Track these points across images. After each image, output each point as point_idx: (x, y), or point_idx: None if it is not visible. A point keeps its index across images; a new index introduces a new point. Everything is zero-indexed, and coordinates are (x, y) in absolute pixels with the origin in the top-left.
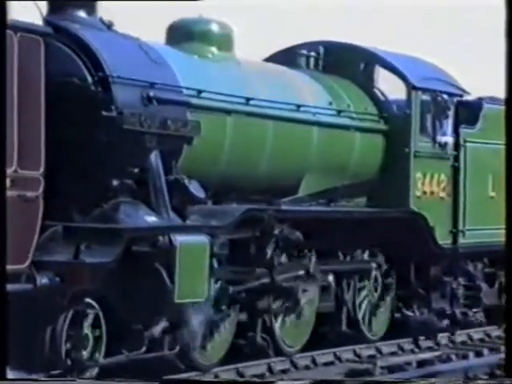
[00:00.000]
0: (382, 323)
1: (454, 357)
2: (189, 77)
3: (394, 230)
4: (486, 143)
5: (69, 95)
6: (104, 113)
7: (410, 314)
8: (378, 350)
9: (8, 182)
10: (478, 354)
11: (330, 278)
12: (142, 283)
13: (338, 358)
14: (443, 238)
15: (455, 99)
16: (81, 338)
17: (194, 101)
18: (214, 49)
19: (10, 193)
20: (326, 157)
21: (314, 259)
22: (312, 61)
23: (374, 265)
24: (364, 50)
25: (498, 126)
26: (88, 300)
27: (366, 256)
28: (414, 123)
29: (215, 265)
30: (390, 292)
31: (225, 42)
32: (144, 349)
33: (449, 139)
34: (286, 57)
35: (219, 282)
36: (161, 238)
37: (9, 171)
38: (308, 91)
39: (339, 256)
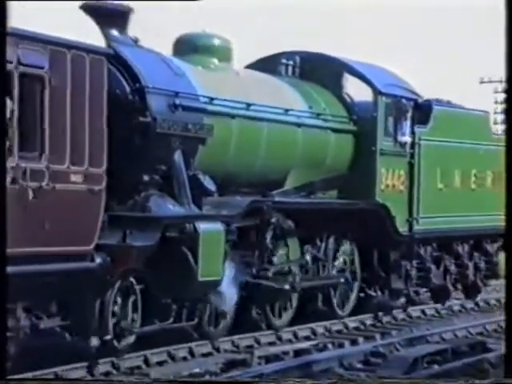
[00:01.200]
0: (351, 302)
1: (330, 345)
2: (202, 86)
3: (363, 220)
4: (436, 141)
5: (112, 104)
6: (141, 118)
7: (372, 293)
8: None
9: (81, 178)
10: (354, 343)
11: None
12: (171, 264)
13: (217, 349)
14: (402, 226)
15: (412, 103)
16: (125, 309)
17: (209, 107)
18: (215, 60)
19: (82, 187)
20: (308, 154)
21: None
22: (290, 69)
23: (347, 275)
24: (335, 60)
25: (445, 126)
26: (131, 278)
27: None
28: (379, 124)
29: (228, 249)
30: (357, 274)
31: (225, 54)
32: (171, 320)
33: (408, 139)
34: (267, 65)
35: (235, 264)
36: (187, 225)
37: (82, 169)
38: (291, 97)
39: (317, 242)
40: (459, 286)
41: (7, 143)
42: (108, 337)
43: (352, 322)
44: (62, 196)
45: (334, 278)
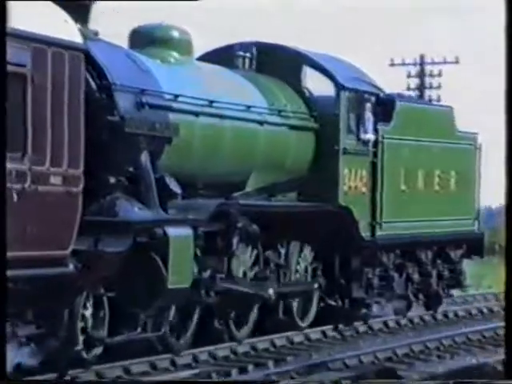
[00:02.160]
0: (312, 312)
1: (214, 374)
2: (166, 82)
3: (325, 224)
4: (400, 139)
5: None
6: (109, 117)
7: (332, 303)
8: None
9: (60, 180)
10: (242, 371)
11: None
12: (140, 271)
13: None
14: (364, 231)
15: (374, 98)
16: (96, 318)
17: (174, 105)
18: (175, 54)
19: (61, 189)
20: (270, 154)
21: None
22: (247, 61)
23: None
24: (294, 51)
25: (408, 122)
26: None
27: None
28: (342, 122)
29: (198, 254)
30: (317, 283)
31: (185, 47)
32: (139, 330)
33: (371, 136)
34: (222, 56)
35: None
36: (157, 230)
37: (61, 170)
38: (251, 92)
39: (278, 248)
40: (421, 296)
41: None
42: (78, 347)
43: (246, 346)
44: (43, 198)
45: (305, 284)
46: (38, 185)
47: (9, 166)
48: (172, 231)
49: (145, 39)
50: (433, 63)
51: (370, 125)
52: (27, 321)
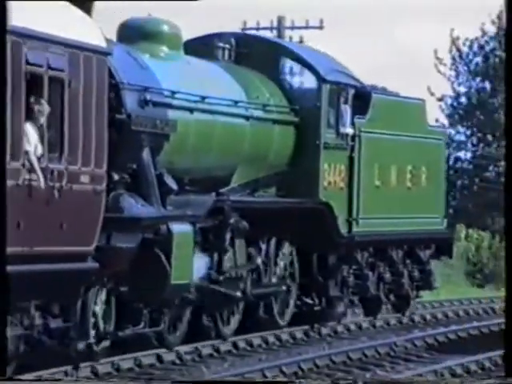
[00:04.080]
0: (290, 310)
1: None
2: (164, 79)
3: (305, 220)
4: (375, 133)
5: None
6: (117, 116)
7: (309, 301)
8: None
9: (88, 179)
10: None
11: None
12: (145, 267)
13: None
14: (342, 227)
15: (353, 90)
16: (108, 313)
17: (173, 101)
18: (164, 48)
19: (89, 187)
20: (255, 149)
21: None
22: (226, 53)
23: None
24: (273, 43)
25: (383, 116)
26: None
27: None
28: (323, 115)
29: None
30: (295, 280)
31: (175, 41)
32: (142, 324)
33: (350, 130)
34: (200, 47)
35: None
36: (161, 226)
37: (89, 169)
38: (236, 87)
39: (259, 244)
40: (392, 297)
41: (42, 148)
42: (91, 340)
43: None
44: (75, 196)
45: (275, 286)
46: (72, 184)
47: (50, 165)
48: (175, 227)
49: (134, 33)
50: (293, 28)
51: (348, 118)
52: (55, 314)
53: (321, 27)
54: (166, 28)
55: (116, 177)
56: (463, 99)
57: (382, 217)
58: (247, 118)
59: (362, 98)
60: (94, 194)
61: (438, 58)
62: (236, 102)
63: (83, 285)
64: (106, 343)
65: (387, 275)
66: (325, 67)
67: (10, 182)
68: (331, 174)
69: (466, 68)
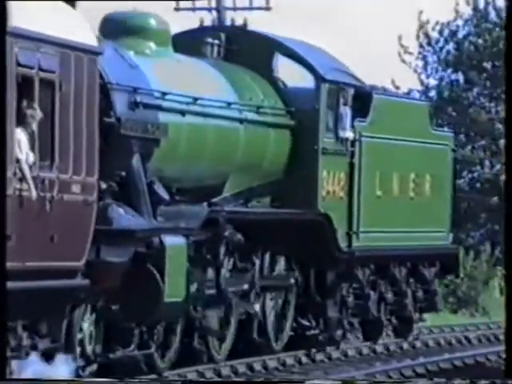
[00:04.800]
0: (286, 333)
1: None
2: (156, 79)
3: (303, 233)
4: (377, 137)
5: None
6: (105, 119)
7: (306, 323)
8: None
9: (79, 188)
10: None
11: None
12: (136, 283)
13: None
14: (342, 241)
15: (353, 91)
16: (98, 333)
17: (163, 103)
18: (151, 44)
19: (80, 198)
20: (249, 155)
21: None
22: (215, 49)
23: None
24: (267, 38)
25: (385, 119)
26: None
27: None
28: (322, 118)
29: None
30: (293, 299)
31: (163, 37)
32: (133, 346)
33: (350, 134)
34: (187, 42)
35: (195, 284)
36: (154, 239)
37: (80, 178)
38: (229, 87)
39: (253, 259)
40: (394, 320)
41: (34, 156)
42: (80, 363)
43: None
44: (66, 207)
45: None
46: (63, 193)
47: (41, 174)
48: (168, 240)
49: (117, 28)
50: (235, 9)
51: (347, 121)
52: (42, 334)
53: (268, 8)
54: (153, 23)
55: (104, 185)
56: (433, 93)
57: (384, 230)
58: (241, 120)
59: (362, 99)
60: (85, 204)
61: (402, 46)
62: (229, 104)
63: (72, 303)
64: (93, 367)
65: (389, 295)
66: (324, 66)
67: None
68: (330, 183)
69: (435, 57)
